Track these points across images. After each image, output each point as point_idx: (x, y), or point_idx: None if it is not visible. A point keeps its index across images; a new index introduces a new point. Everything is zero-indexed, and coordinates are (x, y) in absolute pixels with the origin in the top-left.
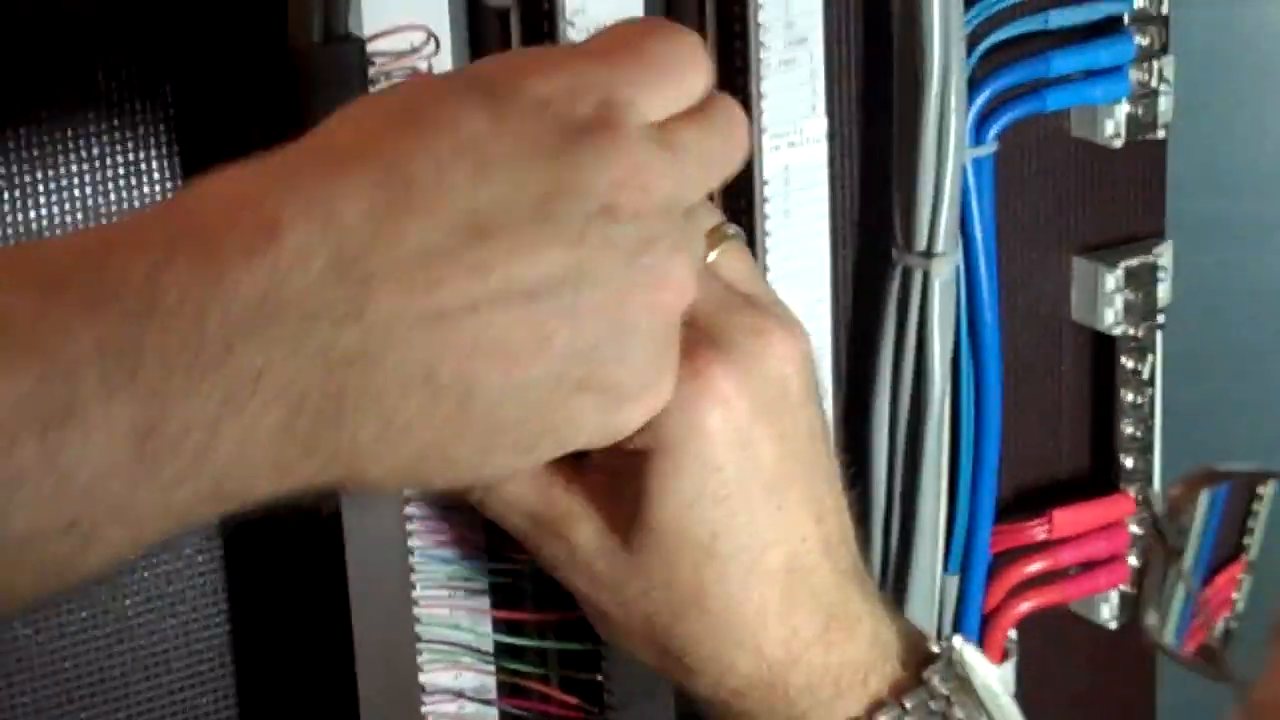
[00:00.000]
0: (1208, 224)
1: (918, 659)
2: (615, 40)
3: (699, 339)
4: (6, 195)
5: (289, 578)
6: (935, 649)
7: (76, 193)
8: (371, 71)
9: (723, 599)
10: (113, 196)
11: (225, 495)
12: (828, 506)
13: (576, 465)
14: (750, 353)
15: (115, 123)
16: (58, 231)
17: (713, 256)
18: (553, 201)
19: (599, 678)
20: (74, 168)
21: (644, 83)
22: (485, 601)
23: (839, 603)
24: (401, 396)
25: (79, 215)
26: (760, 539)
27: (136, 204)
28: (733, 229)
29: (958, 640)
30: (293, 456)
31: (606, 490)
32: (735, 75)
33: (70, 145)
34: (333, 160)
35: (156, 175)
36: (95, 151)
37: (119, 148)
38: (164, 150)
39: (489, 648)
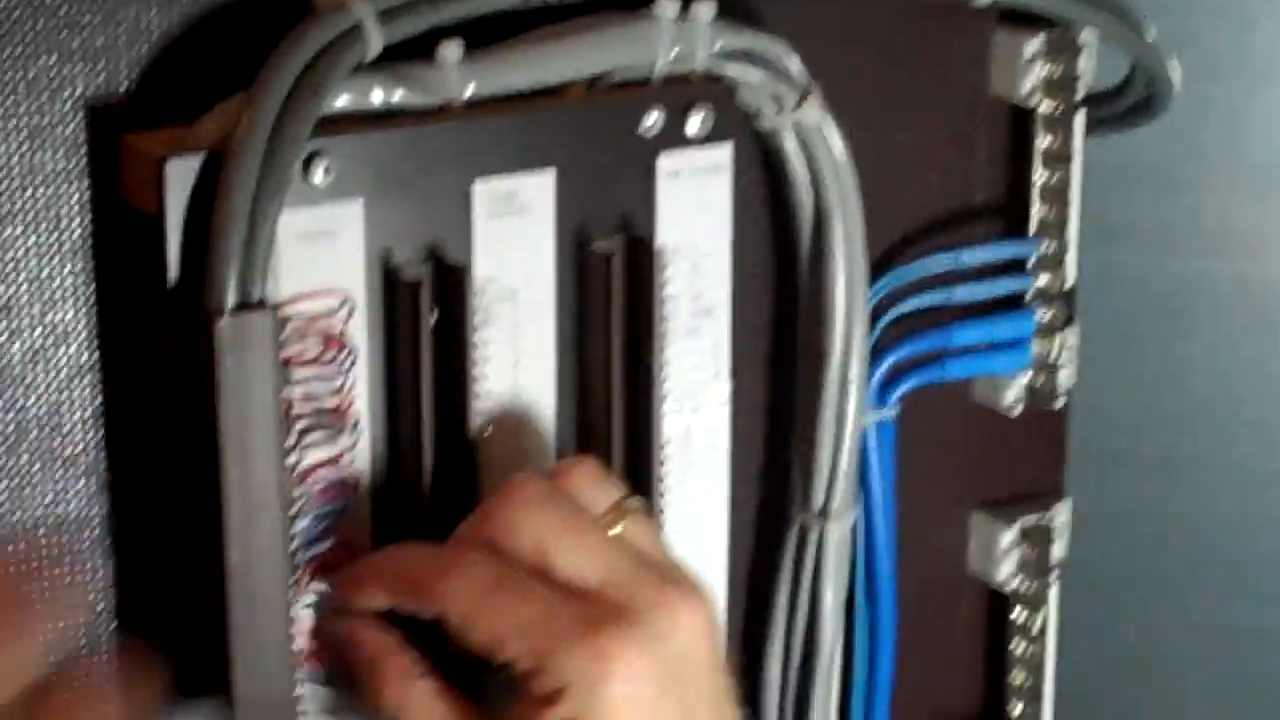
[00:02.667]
0: (1113, 460)
1: None
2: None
3: (604, 614)
4: None
5: None
6: None
7: None
8: (284, 336)
9: None
10: None
11: None
12: None
13: None
14: (653, 627)
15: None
16: None
17: (618, 530)
18: None
19: None
20: None
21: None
22: None
23: None
24: None
25: None
26: None
27: None
28: (635, 501)
29: None
30: None
31: None
32: (639, 344)
33: None
34: None
35: None
36: None
37: None
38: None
39: None
